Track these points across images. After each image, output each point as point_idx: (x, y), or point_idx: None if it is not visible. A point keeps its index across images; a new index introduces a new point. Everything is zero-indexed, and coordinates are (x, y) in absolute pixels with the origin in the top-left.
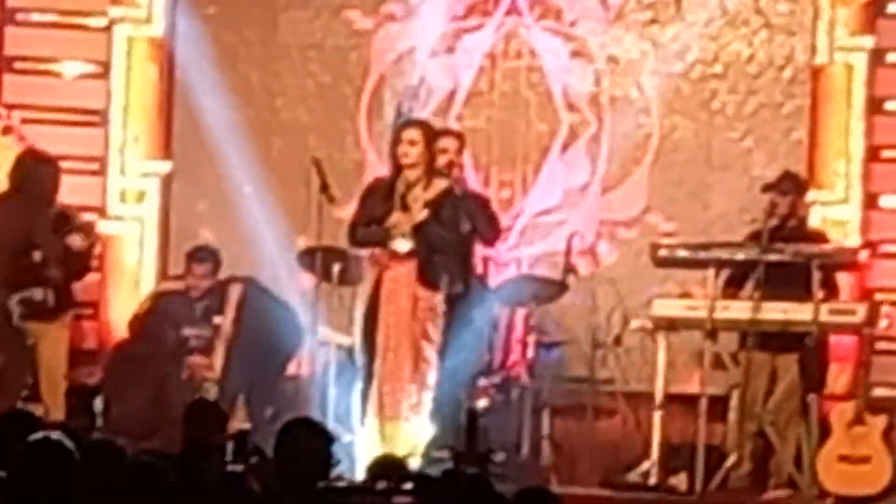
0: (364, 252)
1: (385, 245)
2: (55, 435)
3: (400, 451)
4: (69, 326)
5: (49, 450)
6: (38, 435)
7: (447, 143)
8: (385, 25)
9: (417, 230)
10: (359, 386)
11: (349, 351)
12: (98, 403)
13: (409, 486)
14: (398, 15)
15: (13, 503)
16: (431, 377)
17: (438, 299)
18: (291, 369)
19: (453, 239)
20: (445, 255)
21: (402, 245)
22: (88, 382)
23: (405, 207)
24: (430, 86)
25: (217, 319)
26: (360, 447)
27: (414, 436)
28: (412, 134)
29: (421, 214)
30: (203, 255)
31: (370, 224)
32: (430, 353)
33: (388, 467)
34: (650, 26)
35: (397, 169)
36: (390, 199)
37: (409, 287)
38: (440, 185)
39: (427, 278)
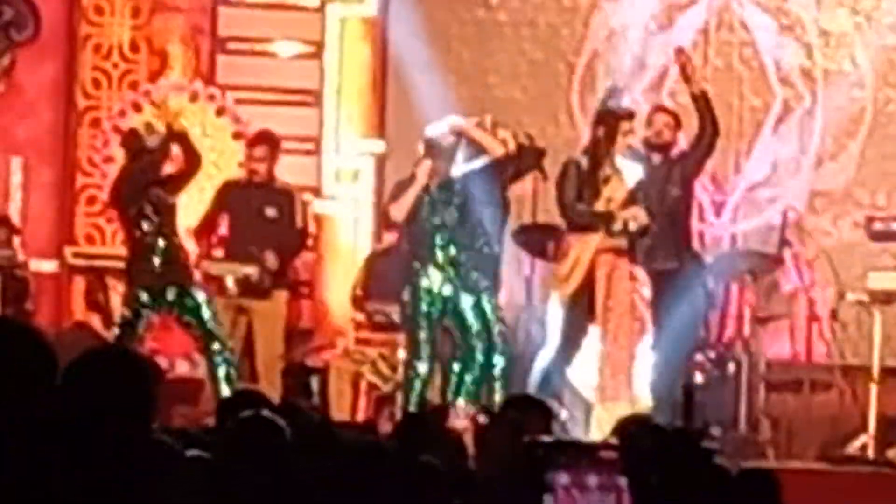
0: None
1: (606, 228)
2: (266, 413)
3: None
4: (285, 305)
5: (260, 427)
6: (249, 412)
7: (664, 118)
8: (598, 2)
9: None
10: (568, 365)
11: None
12: (314, 382)
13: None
14: None
15: (223, 479)
16: (645, 355)
17: (643, 275)
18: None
19: (660, 211)
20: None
21: (628, 226)
22: (305, 362)
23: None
24: (643, 62)
25: None
26: (574, 425)
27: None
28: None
29: (621, 193)
30: None
31: (578, 201)
32: (646, 330)
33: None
34: (862, 0)
35: (602, 149)
36: (594, 180)
37: (625, 266)
38: (635, 166)
39: (636, 255)
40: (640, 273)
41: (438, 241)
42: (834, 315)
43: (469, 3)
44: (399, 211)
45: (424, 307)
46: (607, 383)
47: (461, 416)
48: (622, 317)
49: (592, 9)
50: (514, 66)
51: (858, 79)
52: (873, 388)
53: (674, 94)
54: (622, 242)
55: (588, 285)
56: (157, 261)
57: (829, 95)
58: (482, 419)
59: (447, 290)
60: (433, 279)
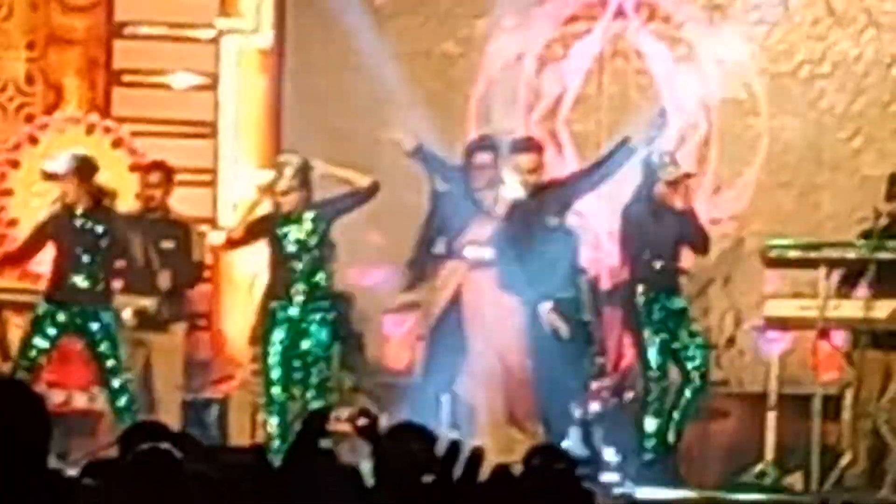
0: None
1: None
2: (163, 445)
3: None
4: (184, 337)
5: (156, 460)
6: (147, 445)
7: (528, 160)
8: (492, 32)
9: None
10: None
11: None
12: (212, 414)
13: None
14: (505, 21)
15: None
16: (532, 384)
17: (517, 304)
18: (404, 372)
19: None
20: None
21: (481, 253)
22: (203, 393)
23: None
24: (538, 91)
25: None
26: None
27: (520, 442)
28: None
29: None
30: None
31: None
32: (524, 359)
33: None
34: (757, 27)
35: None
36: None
37: (491, 293)
38: (511, 192)
39: (506, 284)
40: (506, 298)
41: (301, 265)
42: (731, 342)
43: (364, 34)
44: (235, 230)
45: (281, 336)
46: (480, 408)
47: (342, 419)
48: (490, 341)
49: (488, 38)
50: (410, 96)
51: (753, 106)
52: (770, 416)
53: (569, 123)
54: (488, 269)
55: (456, 309)
56: (82, 280)
57: (725, 123)
58: (362, 422)
59: (299, 314)
60: (290, 308)
